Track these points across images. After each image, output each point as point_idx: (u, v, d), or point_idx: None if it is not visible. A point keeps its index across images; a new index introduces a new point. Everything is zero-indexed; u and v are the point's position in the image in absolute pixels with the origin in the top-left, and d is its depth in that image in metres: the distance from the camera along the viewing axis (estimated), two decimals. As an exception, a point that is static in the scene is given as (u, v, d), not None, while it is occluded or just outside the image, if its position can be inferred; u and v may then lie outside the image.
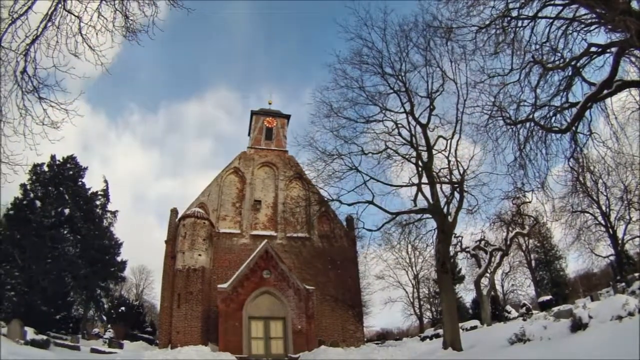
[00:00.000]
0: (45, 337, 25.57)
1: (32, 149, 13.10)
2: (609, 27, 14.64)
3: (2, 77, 12.64)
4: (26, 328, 25.28)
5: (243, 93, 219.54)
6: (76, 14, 12.67)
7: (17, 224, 41.63)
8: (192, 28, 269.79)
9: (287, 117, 51.54)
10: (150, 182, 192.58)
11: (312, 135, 29.04)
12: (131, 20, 13.26)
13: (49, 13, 12.17)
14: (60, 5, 12.23)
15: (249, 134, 51.11)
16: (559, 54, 16.80)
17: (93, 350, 29.34)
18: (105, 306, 50.11)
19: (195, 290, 36.50)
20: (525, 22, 16.50)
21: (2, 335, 23.25)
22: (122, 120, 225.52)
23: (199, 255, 37.90)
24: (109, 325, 50.85)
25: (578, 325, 14.32)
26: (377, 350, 30.11)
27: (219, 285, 35.42)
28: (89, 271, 43.70)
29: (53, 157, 48.01)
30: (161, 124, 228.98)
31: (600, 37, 16.74)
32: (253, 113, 50.75)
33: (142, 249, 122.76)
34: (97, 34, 13.00)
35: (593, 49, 15.66)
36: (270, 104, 53.64)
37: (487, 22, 16.54)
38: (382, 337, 60.70)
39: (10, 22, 11.92)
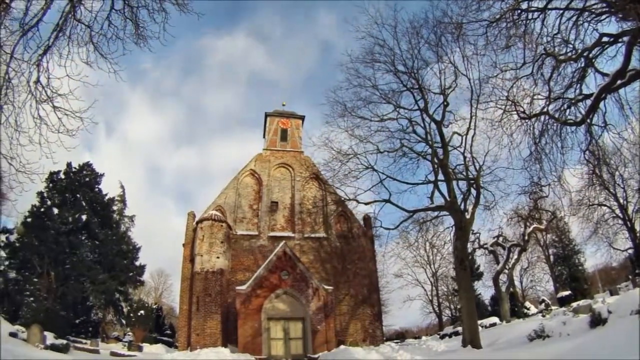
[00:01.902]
0: (64, 342, 25.70)
1: (48, 157, 13.24)
2: (620, 16, 14.58)
3: (16, 87, 12.77)
4: (46, 333, 25.43)
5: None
6: (86, 24, 12.78)
7: (35, 231, 41.96)
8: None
9: (302, 117, 51.43)
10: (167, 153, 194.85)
11: (327, 135, 29.20)
12: (142, 27, 13.37)
13: (60, 23, 12.28)
14: (70, 16, 12.33)
15: (263, 136, 51.15)
16: (571, 46, 16.71)
17: (112, 354, 29.46)
18: (125, 310, 50.25)
19: (213, 293, 36.60)
20: (536, 14, 16.42)
21: (22, 340, 23.51)
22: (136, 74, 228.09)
23: (217, 257, 38.00)
24: (128, 329, 51.07)
25: (597, 321, 14.26)
26: (397, 349, 29.96)
27: (237, 287, 35.48)
28: (108, 276, 43.92)
29: (69, 165, 48.36)
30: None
31: (611, 26, 16.67)
32: (267, 115, 50.67)
33: (159, 238, 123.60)
34: (108, 42, 13.12)
35: (605, 39, 15.55)
36: (284, 105, 53.52)
37: (498, 16, 16.48)
38: (401, 335, 60.42)
39: (21, 34, 12.04)
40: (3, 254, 42.68)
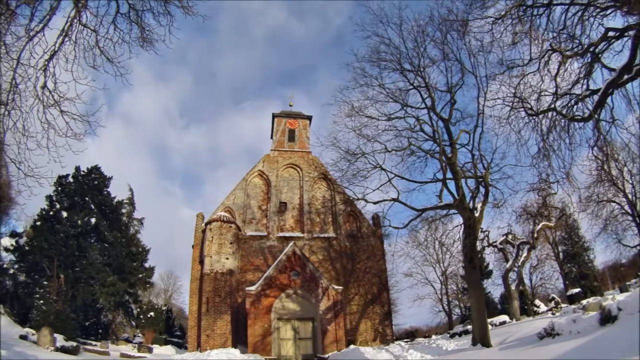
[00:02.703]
0: (74, 344, 25.77)
1: (56, 162, 13.31)
2: (625, 10, 14.52)
3: (23, 93, 12.82)
4: (56, 335, 25.51)
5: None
6: (92, 28, 12.87)
7: (45, 234, 42.11)
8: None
9: (309, 118, 51.54)
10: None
11: (335, 135, 29.30)
12: (147, 30, 13.42)
13: (65, 28, 12.33)
14: (76, 21, 12.38)
15: (271, 137, 51.22)
16: (577, 41, 16.68)
17: (123, 355, 29.62)
18: (134, 312, 50.40)
19: (223, 293, 36.72)
20: (541, 10, 16.42)
21: (32, 342, 23.62)
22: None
23: (227, 258, 38.12)
24: (138, 330, 51.25)
25: (607, 318, 14.21)
26: (407, 348, 29.94)
27: (247, 288, 35.52)
28: (117, 278, 44.03)
29: (78, 168, 48.49)
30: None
31: (617, 21, 16.62)
32: (274, 115, 50.85)
33: (166, 227, 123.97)
34: (114, 46, 13.21)
35: (611, 33, 15.50)
36: (291, 105, 53.63)
37: (503, 13, 16.51)
38: (411, 334, 60.30)
39: (27, 39, 12.09)
40: (13, 257, 42.92)
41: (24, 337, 24.50)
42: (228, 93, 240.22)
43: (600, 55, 16.55)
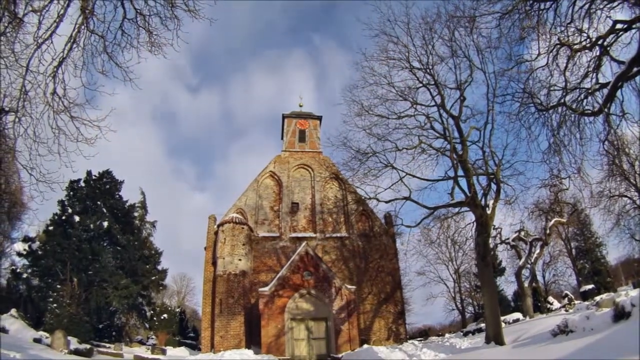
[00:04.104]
0: (88, 346, 25.94)
1: (67, 167, 13.42)
2: (632, 1, 14.47)
3: (33, 99, 12.92)
4: (69, 338, 25.73)
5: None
6: (100, 34, 12.94)
7: (57, 239, 42.39)
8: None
9: (319, 118, 51.49)
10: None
11: (346, 134, 29.28)
12: (155, 35, 13.47)
13: (73, 35, 12.38)
14: (83, 27, 12.43)
15: (281, 138, 51.12)
16: (585, 34, 16.62)
17: (136, 357, 29.68)
18: (148, 314, 50.57)
19: (236, 295, 36.75)
20: (548, 3, 16.34)
21: (46, 345, 23.78)
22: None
23: (239, 260, 38.15)
24: (152, 332, 51.44)
25: (621, 314, 14.09)
26: (420, 347, 29.87)
27: (260, 289, 35.67)
28: (130, 281, 44.22)
29: (89, 173, 48.73)
30: None
31: (624, 13, 16.53)
32: (284, 116, 50.80)
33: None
34: (122, 51, 13.26)
35: (618, 25, 15.40)
36: (301, 106, 53.54)
37: (510, 8, 16.44)
38: (425, 333, 60.17)
39: (35, 47, 12.17)
40: (26, 261, 43.20)
41: (37, 341, 24.73)
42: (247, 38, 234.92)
43: (608, 48, 16.47)
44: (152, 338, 49.61)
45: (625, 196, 43.78)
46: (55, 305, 34.91)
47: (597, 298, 30.67)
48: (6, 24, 11.62)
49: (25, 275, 42.95)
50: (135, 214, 53.99)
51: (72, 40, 12.37)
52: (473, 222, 27.15)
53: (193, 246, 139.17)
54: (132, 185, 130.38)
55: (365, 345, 31.21)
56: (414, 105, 27.84)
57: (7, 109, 14.01)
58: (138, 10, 12.80)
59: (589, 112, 17.86)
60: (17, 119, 12.93)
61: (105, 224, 45.87)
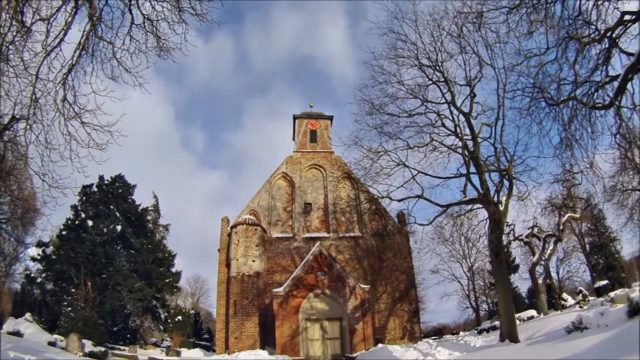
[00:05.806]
0: (103, 349, 26.13)
1: (79, 172, 13.51)
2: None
3: (43, 107, 13.01)
4: (84, 340, 25.84)
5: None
6: (108, 40, 12.94)
7: (71, 243, 42.69)
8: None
9: (330, 117, 51.45)
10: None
11: (357, 134, 29.28)
12: (163, 39, 13.51)
13: (82, 42, 12.42)
14: (92, 34, 12.47)
15: (293, 139, 51.14)
16: (593, 27, 16.50)
17: (151, 359, 29.85)
18: (162, 316, 50.82)
19: (250, 296, 36.84)
20: (555, -4, 16.27)
21: (60, 348, 23.91)
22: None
23: (253, 261, 38.26)
24: (166, 334, 51.71)
25: (635, 310, 14.03)
26: (435, 345, 29.81)
27: (274, 290, 35.73)
28: (144, 284, 44.45)
29: (102, 178, 49.09)
30: None
31: (632, 4, 16.40)
32: (295, 117, 50.83)
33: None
34: (131, 56, 13.27)
35: (627, 17, 15.21)
36: (311, 106, 53.51)
37: (517, 2, 16.36)
38: (439, 332, 60.26)
39: (45, 55, 12.23)
40: (40, 266, 43.53)
41: (52, 344, 24.83)
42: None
43: (617, 40, 16.33)
44: (166, 340, 49.93)
45: (638, 190, 43.56)
46: (69, 308, 35.16)
47: (612, 294, 30.54)
48: (14, 33, 11.67)
49: (39, 280, 43.37)
50: (149, 218, 54.28)
51: (80, 47, 12.40)
52: (486, 219, 27.11)
53: (206, 246, 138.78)
54: (144, 188, 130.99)
55: (380, 345, 31.16)
56: (425, 103, 27.81)
57: (18, 116, 14.21)
58: (146, 16, 12.84)
59: (600, 105, 17.70)
60: (28, 127, 13.02)
61: (119, 227, 46.17)
